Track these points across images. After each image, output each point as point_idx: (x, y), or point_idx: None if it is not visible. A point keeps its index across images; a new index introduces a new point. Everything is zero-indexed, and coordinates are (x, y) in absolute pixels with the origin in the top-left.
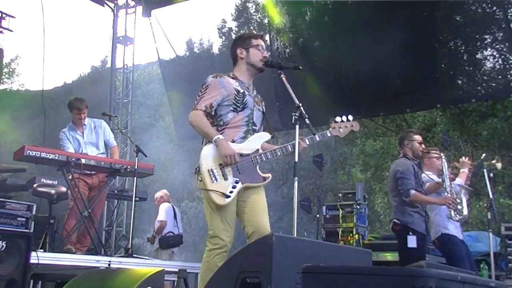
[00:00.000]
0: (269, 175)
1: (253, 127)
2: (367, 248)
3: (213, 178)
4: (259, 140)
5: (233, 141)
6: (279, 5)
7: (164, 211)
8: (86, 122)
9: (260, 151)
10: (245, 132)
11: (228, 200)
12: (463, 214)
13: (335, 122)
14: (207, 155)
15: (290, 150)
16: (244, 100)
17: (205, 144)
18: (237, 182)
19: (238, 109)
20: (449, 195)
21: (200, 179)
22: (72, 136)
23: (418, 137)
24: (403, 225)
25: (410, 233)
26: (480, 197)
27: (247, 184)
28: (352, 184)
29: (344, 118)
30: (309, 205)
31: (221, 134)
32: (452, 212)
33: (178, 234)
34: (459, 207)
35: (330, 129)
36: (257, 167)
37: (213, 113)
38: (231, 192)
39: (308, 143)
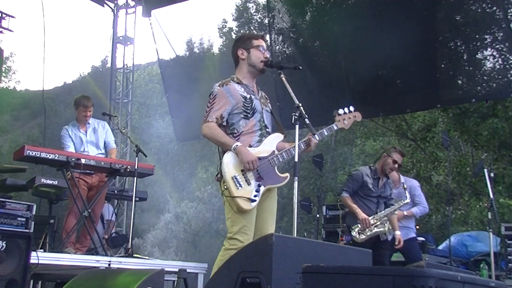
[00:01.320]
0: (287, 174)
1: (266, 129)
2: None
3: (238, 185)
4: (274, 141)
5: (250, 146)
6: (279, 3)
7: (109, 211)
8: (91, 121)
9: (276, 152)
10: (260, 135)
11: (254, 204)
12: (360, 238)
13: (339, 114)
14: (229, 163)
15: (303, 147)
16: (253, 106)
17: (222, 151)
18: (259, 186)
19: (249, 115)
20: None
21: (225, 187)
22: (75, 133)
23: (396, 156)
24: (347, 226)
25: (348, 235)
26: (480, 197)
27: (269, 186)
28: None
29: (346, 110)
30: (309, 205)
31: (237, 141)
32: (358, 229)
33: (123, 234)
34: (366, 229)
35: (336, 122)
36: (275, 168)
37: (224, 123)
38: (255, 196)
39: (318, 138)
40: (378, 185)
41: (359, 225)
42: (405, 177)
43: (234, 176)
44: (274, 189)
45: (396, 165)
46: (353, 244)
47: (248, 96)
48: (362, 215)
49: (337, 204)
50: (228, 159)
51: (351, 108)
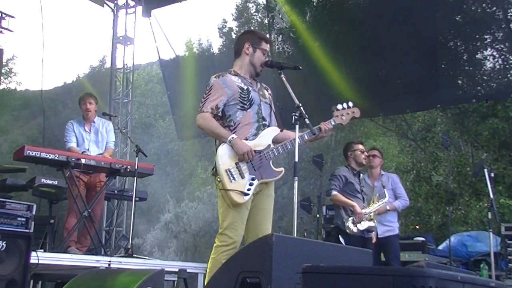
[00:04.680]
0: (282, 169)
1: (263, 122)
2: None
3: (231, 178)
4: (270, 135)
5: (246, 139)
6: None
7: None
8: (96, 120)
9: (272, 146)
10: (257, 128)
11: (247, 197)
12: (354, 230)
13: (337, 110)
14: (223, 155)
15: (300, 142)
16: (250, 97)
17: (219, 145)
18: (253, 179)
19: (246, 106)
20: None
21: (219, 179)
22: (79, 130)
23: (357, 146)
24: (335, 227)
25: (340, 235)
26: (481, 197)
27: (263, 180)
28: None
29: (345, 105)
30: (309, 205)
31: (233, 133)
32: (351, 220)
33: None
34: (363, 221)
35: (334, 117)
36: (270, 162)
37: (220, 114)
38: (248, 189)
39: (316, 133)
40: (360, 181)
41: (353, 217)
42: (385, 171)
43: (228, 169)
44: (270, 186)
45: (365, 153)
46: (344, 240)
47: (245, 87)
48: (359, 209)
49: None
50: (223, 151)
51: (350, 104)
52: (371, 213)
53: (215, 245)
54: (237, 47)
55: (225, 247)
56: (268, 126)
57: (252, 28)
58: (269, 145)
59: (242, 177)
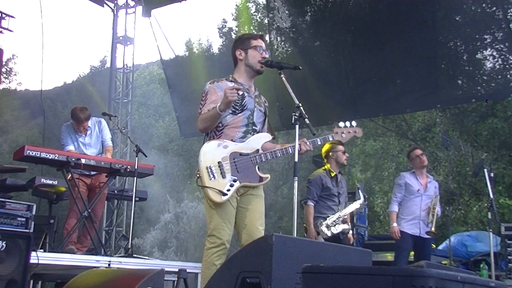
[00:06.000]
0: (268, 175)
1: (253, 127)
2: (367, 248)
3: (211, 176)
4: (259, 140)
5: (232, 141)
6: (279, 3)
7: None
8: (90, 124)
9: (260, 151)
10: (244, 132)
11: (225, 198)
12: (327, 233)
13: (338, 127)
14: (206, 153)
15: (291, 152)
16: (243, 102)
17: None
18: (234, 181)
19: (237, 111)
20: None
21: (198, 175)
22: (74, 135)
23: (340, 147)
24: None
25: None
26: (480, 197)
27: (244, 183)
28: (352, 184)
29: (347, 123)
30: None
31: (220, 134)
32: (326, 224)
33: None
34: (337, 225)
35: (333, 133)
36: (256, 167)
37: None
38: (228, 190)
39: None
40: (337, 183)
41: (327, 221)
42: (430, 176)
43: (209, 166)
44: (259, 188)
45: (346, 153)
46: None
47: (240, 93)
48: (311, 233)
49: None
50: (207, 149)
51: (353, 123)
52: (345, 215)
53: (205, 248)
54: (233, 58)
55: (216, 248)
56: (258, 132)
57: (252, 28)
58: (258, 150)
59: (223, 176)
